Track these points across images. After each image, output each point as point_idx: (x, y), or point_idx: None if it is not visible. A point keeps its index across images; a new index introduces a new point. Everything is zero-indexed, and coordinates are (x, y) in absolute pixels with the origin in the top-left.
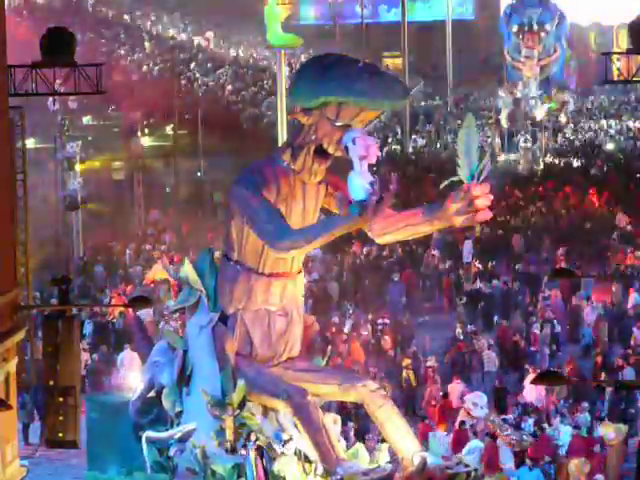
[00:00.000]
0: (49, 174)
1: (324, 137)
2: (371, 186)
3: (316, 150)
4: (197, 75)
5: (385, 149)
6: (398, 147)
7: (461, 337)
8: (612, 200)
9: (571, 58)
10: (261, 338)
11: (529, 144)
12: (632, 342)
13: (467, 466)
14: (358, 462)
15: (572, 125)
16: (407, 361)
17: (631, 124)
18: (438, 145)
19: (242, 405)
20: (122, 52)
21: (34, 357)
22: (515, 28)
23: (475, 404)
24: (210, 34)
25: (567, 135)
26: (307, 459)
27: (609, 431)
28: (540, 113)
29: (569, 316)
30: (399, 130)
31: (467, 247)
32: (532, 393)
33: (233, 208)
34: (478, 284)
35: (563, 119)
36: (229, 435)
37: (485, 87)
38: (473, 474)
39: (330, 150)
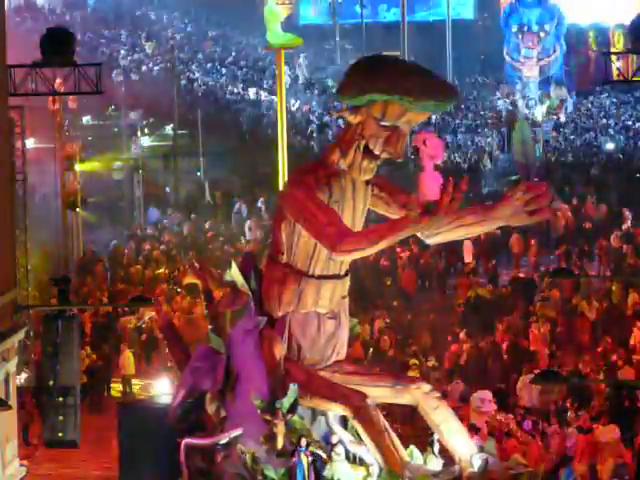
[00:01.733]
0: (49, 174)
1: (370, 137)
2: (443, 187)
3: (364, 148)
4: (197, 75)
5: None
6: None
7: (460, 338)
8: (614, 200)
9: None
10: (310, 341)
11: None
12: (632, 342)
13: (526, 466)
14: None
15: (572, 125)
16: (414, 360)
17: (630, 124)
18: None
19: (293, 409)
20: (122, 52)
21: (34, 357)
22: (515, 28)
23: (482, 400)
24: (210, 34)
25: (567, 135)
26: (362, 462)
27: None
28: (540, 113)
29: (569, 316)
30: None
31: (467, 247)
32: (526, 393)
33: (286, 210)
34: (478, 289)
35: (563, 119)
36: (280, 440)
37: (485, 87)
38: (533, 474)
39: (376, 151)
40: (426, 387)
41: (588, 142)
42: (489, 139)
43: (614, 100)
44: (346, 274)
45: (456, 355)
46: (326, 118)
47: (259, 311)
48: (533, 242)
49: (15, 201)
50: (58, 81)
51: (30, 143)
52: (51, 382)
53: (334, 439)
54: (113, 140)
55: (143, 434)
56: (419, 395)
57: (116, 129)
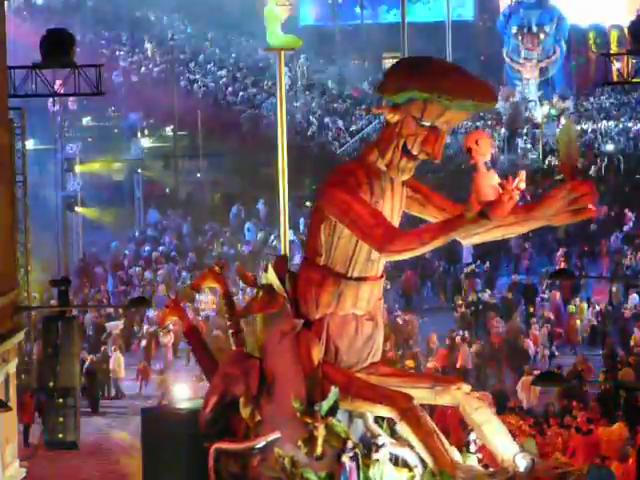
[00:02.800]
0: (49, 175)
1: (409, 136)
2: (500, 186)
3: (403, 148)
4: (197, 76)
5: None
6: None
7: (460, 340)
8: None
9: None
10: (348, 343)
11: (529, 145)
12: (632, 343)
13: (572, 465)
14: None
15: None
16: (411, 363)
17: (631, 125)
18: None
19: (332, 412)
20: (122, 53)
21: (34, 358)
22: (514, 29)
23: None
24: (210, 35)
25: None
26: (405, 464)
27: (608, 431)
28: (540, 115)
29: (569, 317)
30: None
31: (467, 248)
32: (524, 394)
33: (328, 212)
34: (477, 294)
35: (563, 121)
36: (320, 443)
37: None
38: (579, 473)
39: (414, 151)
40: (466, 387)
41: (588, 143)
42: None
43: (614, 101)
44: (382, 276)
45: (456, 357)
46: (326, 119)
47: (295, 313)
48: (527, 245)
49: (15, 202)
50: (58, 82)
51: (30, 144)
52: (51, 383)
53: (379, 441)
54: (113, 141)
55: (166, 439)
56: (460, 396)
57: (116, 130)
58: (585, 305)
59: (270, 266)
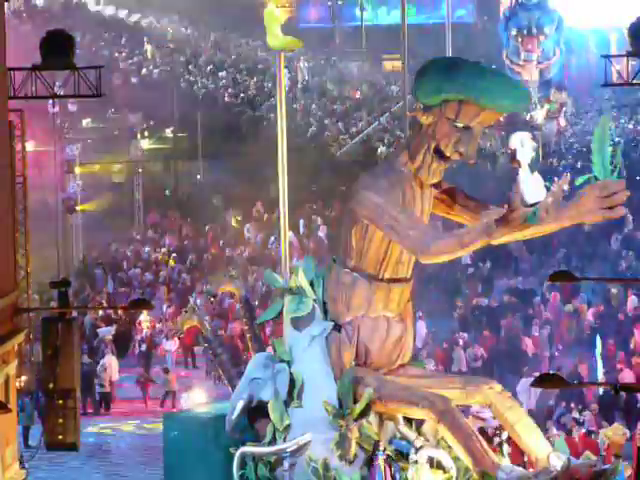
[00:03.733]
0: (49, 177)
1: (442, 138)
2: (545, 188)
3: (435, 150)
4: (197, 78)
5: (384, 152)
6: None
7: (459, 342)
8: None
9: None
10: (379, 346)
11: None
12: (632, 345)
13: (608, 464)
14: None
15: (571, 128)
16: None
17: (631, 127)
18: None
19: (364, 414)
20: (122, 55)
21: (33, 360)
22: (514, 32)
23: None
24: (210, 36)
25: (567, 138)
26: (439, 466)
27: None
28: (540, 117)
29: (569, 319)
30: (398, 133)
31: None
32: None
33: (362, 215)
34: (476, 299)
35: (563, 122)
36: (354, 446)
37: None
38: (615, 471)
39: (447, 152)
40: (498, 387)
41: (588, 145)
42: (489, 142)
43: (614, 103)
44: (411, 277)
45: (455, 359)
46: (326, 121)
47: (324, 316)
48: (527, 247)
49: (15, 204)
50: (58, 84)
51: (30, 146)
52: (51, 385)
53: (416, 443)
54: (113, 143)
55: (189, 445)
56: (492, 395)
57: (116, 132)
58: (585, 307)
59: (300, 270)
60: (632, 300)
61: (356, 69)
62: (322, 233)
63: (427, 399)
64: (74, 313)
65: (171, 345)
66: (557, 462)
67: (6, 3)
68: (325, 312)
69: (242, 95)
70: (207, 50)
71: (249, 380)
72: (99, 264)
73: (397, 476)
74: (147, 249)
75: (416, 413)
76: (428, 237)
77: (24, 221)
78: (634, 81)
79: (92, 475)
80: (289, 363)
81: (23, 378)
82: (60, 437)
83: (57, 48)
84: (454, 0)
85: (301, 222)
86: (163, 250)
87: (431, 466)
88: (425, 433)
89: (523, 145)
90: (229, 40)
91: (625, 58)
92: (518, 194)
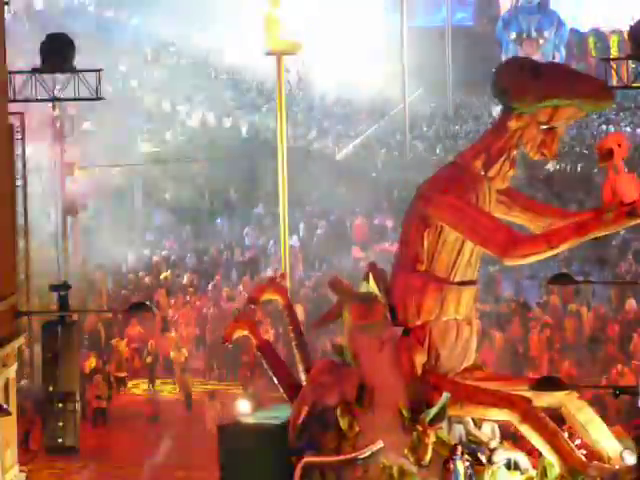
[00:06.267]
0: (49, 180)
1: (529, 141)
2: None
3: (513, 156)
4: (196, 80)
5: (384, 155)
6: (396, 152)
7: None
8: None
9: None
10: (450, 349)
11: None
12: (631, 347)
13: None
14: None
15: (572, 131)
16: None
17: (631, 130)
18: (438, 151)
19: (440, 418)
20: (122, 58)
21: (34, 363)
22: (513, 35)
23: None
24: (209, 39)
25: (566, 141)
26: (516, 467)
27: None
28: None
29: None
30: (398, 135)
31: None
32: None
33: (438, 219)
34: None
35: None
36: (429, 450)
37: (484, 93)
38: None
39: (531, 154)
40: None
41: (588, 148)
42: None
43: (614, 106)
44: (477, 280)
45: None
46: (326, 124)
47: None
48: None
49: (15, 207)
50: (58, 87)
51: (30, 149)
52: (51, 388)
53: (491, 445)
54: (113, 146)
55: (245, 455)
56: (562, 396)
57: (116, 135)
58: (585, 309)
59: (371, 276)
60: (631, 303)
61: (356, 71)
62: (322, 236)
63: (508, 400)
64: (74, 316)
65: (179, 356)
66: (630, 459)
67: (6, 6)
68: (393, 317)
69: (242, 98)
70: (207, 52)
71: (313, 386)
72: (99, 267)
73: (473, 479)
74: (147, 252)
75: (496, 414)
76: (513, 238)
77: (24, 224)
78: (634, 84)
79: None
80: (356, 368)
81: (23, 381)
82: (60, 440)
83: (57, 51)
84: (454, 3)
85: (301, 226)
86: (163, 253)
87: (508, 468)
88: (485, 434)
89: (621, 146)
90: (229, 42)
91: (625, 61)
92: (615, 194)
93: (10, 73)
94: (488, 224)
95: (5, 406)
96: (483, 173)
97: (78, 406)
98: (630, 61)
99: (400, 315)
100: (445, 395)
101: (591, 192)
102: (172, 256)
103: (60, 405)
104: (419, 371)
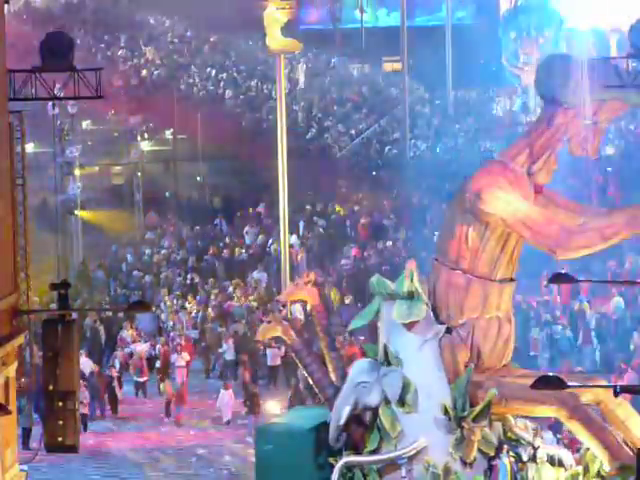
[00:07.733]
0: (49, 179)
1: (574, 136)
2: None
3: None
4: (196, 79)
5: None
6: (396, 151)
7: None
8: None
9: None
10: (492, 346)
11: None
12: (632, 346)
13: None
14: None
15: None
16: None
17: (632, 128)
18: (438, 149)
19: (484, 416)
20: (122, 57)
21: (34, 362)
22: (513, 34)
23: None
24: (209, 38)
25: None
26: (560, 463)
27: None
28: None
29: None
30: (398, 134)
31: None
32: None
33: (486, 215)
34: None
35: None
36: (475, 448)
37: (484, 92)
38: None
39: (574, 149)
40: (605, 384)
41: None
42: (489, 144)
43: None
44: (515, 277)
45: None
46: (326, 123)
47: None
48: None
49: (15, 206)
50: (58, 86)
51: (30, 148)
52: (51, 387)
53: (535, 442)
54: (113, 145)
55: (282, 457)
56: (601, 392)
57: (116, 134)
58: (586, 308)
59: (415, 274)
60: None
61: (356, 71)
62: (322, 235)
63: (556, 397)
64: (74, 315)
65: (181, 361)
66: None
67: (6, 5)
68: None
69: (242, 97)
70: (207, 51)
71: (354, 385)
72: (99, 266)
73: (517, 477)
74: (147, 251)
75: (543, 411)
76: (566, 232)
77: (24, 223)
78: (634, 84)
79: (92, 477)
80: (398, 367)
81: (23, 380)
82: (60, 439)
83: (57, 50)
84: (454, 2)
85: (301, 224)
86: (163, 252)
87: (552, 464)
88: (527, 432)
89: None
90: (229, 42)
91: (625, 60)
92: None
93: (10, 71)
94: (539, 218)
95: (5, 405)
96: (526, 169)
97: (78, 405)
98: (630, 60)
99: (443, 313)
100: (490, 392)
101: None
102: (172, 255)
103: (60, 404)
104: (462, 368)
